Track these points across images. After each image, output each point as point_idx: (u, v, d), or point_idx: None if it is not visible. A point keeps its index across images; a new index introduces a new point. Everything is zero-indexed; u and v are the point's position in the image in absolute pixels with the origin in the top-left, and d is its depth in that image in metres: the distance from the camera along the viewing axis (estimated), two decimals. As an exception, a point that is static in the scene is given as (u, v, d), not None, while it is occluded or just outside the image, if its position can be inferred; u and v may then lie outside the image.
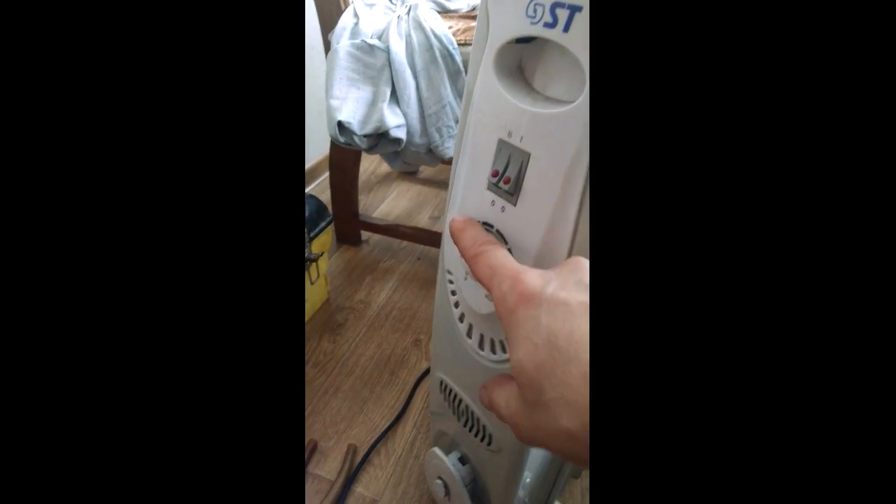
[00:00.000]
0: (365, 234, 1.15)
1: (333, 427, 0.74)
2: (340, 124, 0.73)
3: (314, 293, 0.93)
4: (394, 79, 0.75)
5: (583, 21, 0.22)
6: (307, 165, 1.38)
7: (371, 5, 0.81)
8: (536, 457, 0.49)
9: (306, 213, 0.85)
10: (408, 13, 0.78)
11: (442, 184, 1.40)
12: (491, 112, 0.28)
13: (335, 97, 0.74)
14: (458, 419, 0.45)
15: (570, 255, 0.26)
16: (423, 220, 1.25)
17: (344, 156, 0.99)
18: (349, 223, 1.10)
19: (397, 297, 1.00)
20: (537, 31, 0.24)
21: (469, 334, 0.36)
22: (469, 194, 0.31)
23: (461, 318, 0.37)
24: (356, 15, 0.78)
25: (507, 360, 0.34)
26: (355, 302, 0.98)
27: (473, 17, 0.82)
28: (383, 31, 0.76)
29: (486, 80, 0.28)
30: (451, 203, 0.34)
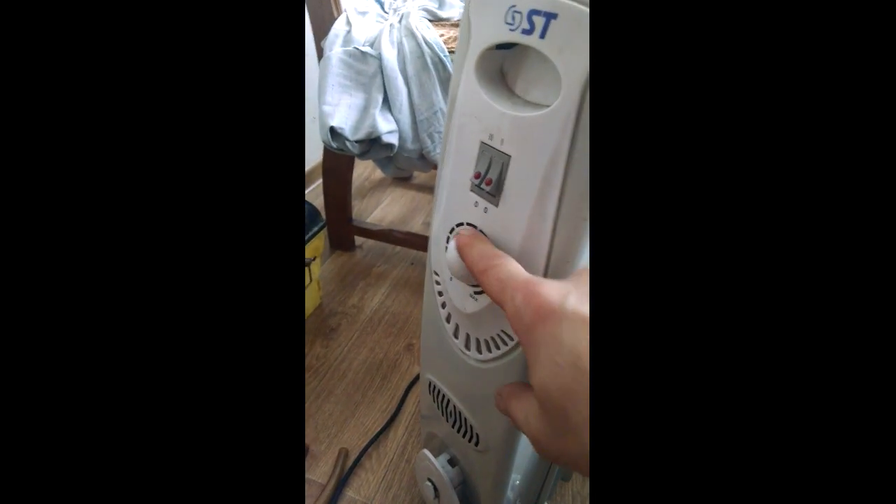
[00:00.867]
0: (358, 240, 1.16)
1: (325, 431, 0.75)
2: (333, 130, 0.74)
3: (306, 298, 0.94)
4: (386, 85, 0.76)
5: (558, 28, 0.23)
6: (301, 171, 1.38)
7: (363, 13, 0.82)
8: (524, 459, 0.49)
9: (299, 218, 0.85)
10: (400, 21, 0.79)
11: (435, 190, 1.40)
12: (473, 115, 0.29)
13: (328, 103, 0.74)
14: (447, 420, 0.45)
15: (550, 253, 0.27)
16: (416, 226, 1.26)
17: (337, 161, 1.00)
18: (343, 228, 1.11)
19: (390, 302, 1.00)
20: (515, 37, 0.25)
21: (456, 334, 0.37)
22: (453, 196, 0.32)
23: (448, 319, 0.37)
24: (349, 23, 0.79)
25: (493, 360, 0.34)
26: (348, 307, 0.98)
27: (465, 25, 0.83)
28: (375, 38, 0.77)
29: (468, 85, 0.29)
30: (437, 204, 0.35)
